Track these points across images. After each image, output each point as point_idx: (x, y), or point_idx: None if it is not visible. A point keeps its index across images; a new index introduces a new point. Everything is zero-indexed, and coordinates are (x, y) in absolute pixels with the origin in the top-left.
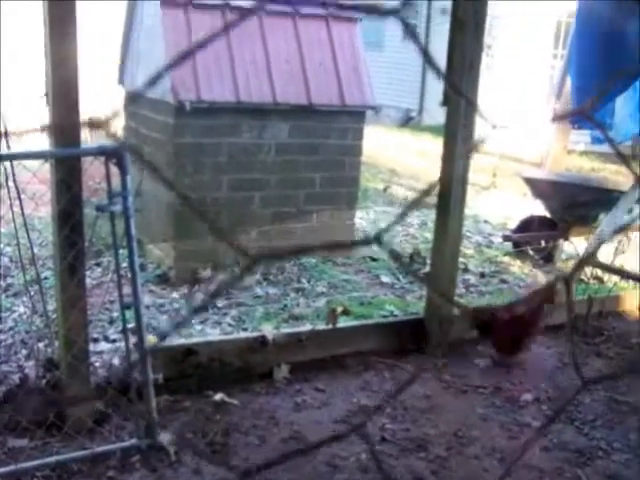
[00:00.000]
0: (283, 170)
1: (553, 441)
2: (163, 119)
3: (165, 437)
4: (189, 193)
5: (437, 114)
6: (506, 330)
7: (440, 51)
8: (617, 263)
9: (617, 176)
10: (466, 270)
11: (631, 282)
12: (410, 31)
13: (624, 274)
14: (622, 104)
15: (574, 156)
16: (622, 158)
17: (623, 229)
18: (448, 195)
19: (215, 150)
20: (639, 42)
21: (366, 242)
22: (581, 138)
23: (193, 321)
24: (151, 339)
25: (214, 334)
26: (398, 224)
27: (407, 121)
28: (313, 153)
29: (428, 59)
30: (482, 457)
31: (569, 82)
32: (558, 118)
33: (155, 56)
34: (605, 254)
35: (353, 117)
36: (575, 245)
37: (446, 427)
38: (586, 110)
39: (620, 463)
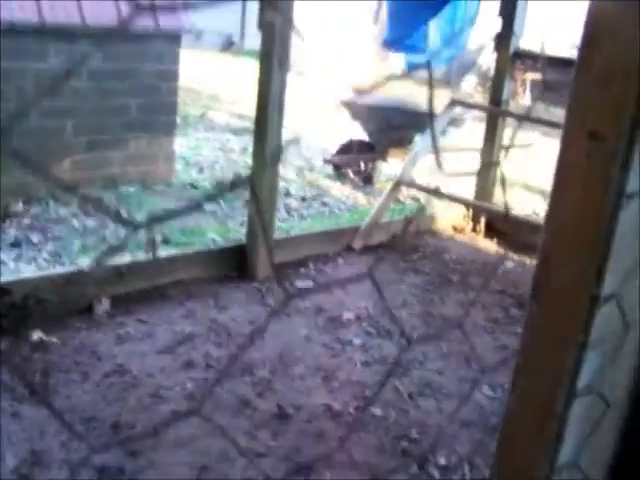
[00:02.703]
0: (96, 97)
1: (374, 356)
2: None
3: None
4: None
5: (258, 39)
6: None
7: None
8: (432, 183)
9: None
10: (288, 194)
11: (445, 201)
12: None
13: (438, 194)
14: (435, 31)
15: (392, 80)
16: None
17: (437, 150)
18: (265, 119)
19: (20, 76)
20: None
21: None
22: (399, 62)
23: (5, 258)
24: None
25: (29, 271)
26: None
27: (229, 46)
28: (127, 78)
29: None
30: (306, 376)
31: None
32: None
33: None
34: (421, 175)
35: (168, 40)
36: (393, 166)
37: (270, 350)
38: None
39: (434, 371)
